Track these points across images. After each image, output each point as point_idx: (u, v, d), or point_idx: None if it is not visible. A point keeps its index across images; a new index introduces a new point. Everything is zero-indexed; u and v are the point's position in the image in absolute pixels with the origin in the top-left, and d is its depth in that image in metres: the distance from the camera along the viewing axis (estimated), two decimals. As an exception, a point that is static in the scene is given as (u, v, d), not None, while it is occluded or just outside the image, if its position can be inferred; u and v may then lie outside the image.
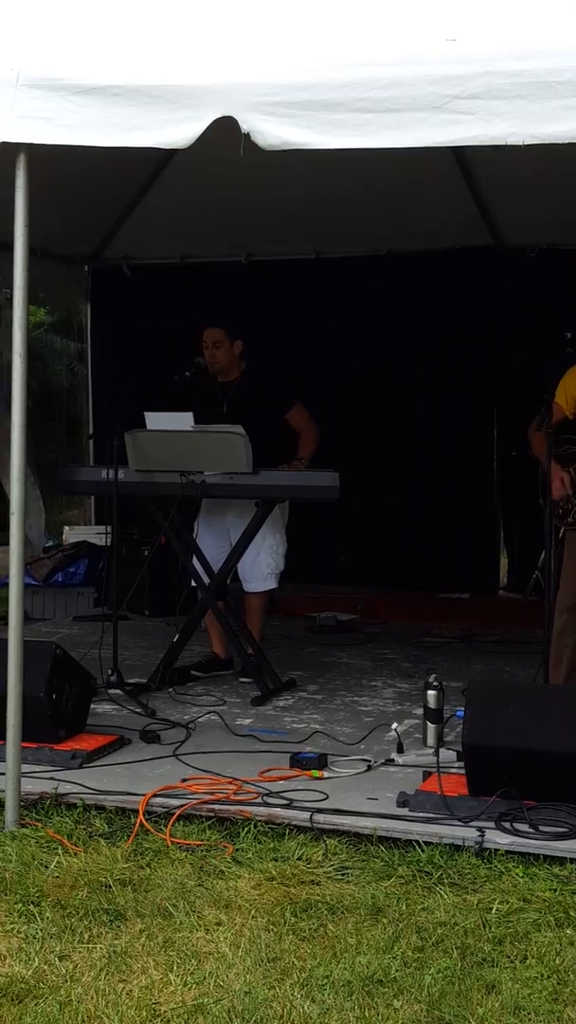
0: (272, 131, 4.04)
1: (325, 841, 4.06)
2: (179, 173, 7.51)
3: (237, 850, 4.00)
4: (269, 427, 6.11)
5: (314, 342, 8.44)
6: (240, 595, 6.45)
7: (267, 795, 4.39)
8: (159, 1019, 3.02)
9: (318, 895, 3.68)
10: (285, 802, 4.32)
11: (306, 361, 8.06)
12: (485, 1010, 3.04)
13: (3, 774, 4.29)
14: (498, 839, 3.98)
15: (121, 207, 8.30)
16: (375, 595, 8.56)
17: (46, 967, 3.26)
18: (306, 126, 4.04)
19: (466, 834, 4.02)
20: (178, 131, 4.14)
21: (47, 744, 4.78)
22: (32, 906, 3.60)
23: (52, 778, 4.53)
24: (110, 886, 3.73)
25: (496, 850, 3.94)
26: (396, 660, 6.94)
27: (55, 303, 11.06)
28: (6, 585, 4.44)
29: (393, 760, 4.86)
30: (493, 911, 3.57)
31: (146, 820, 4.18)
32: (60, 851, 3.99)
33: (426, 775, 4.50)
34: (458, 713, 4.72)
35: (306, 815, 4.20)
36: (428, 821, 4.13)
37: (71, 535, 9.26)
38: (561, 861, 3.89)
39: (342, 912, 3.59)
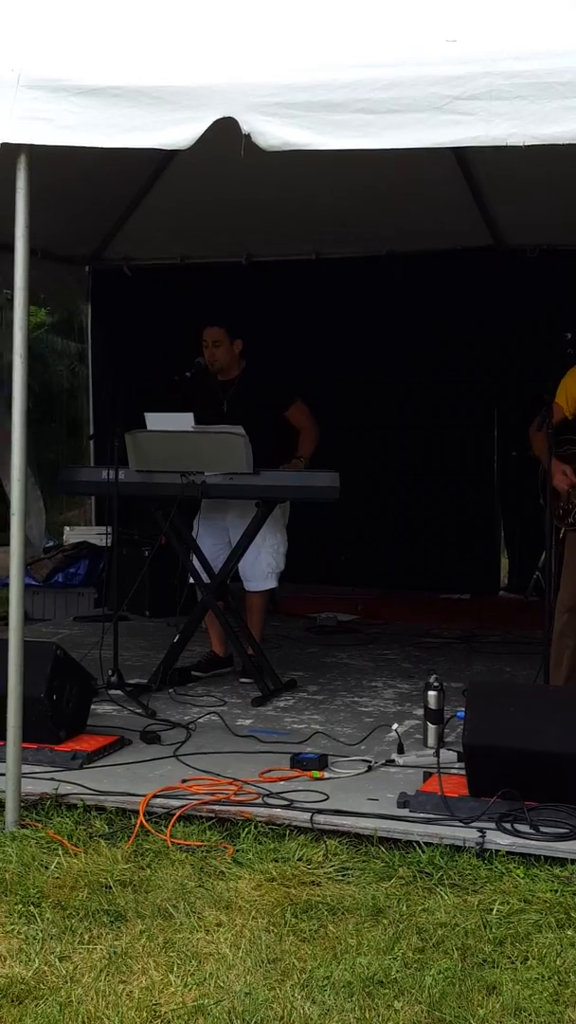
0: (273, 132, 4.04)
1: (325, 842, 4.06)
2: (180, 174, 7.51)
3: (237, 851, 4.00)
4: (269, 425, 6.12)
5: (314, 342, 8.44)
6: (240, 595, 6.45)
7: (267, 796, 4.39)
8: (159, 1020, 3.02)
9: (318, 896, 3.68)
10: (285, 803, 4.32)
11: (306, 362, 8.06)
12: (486, 1011, 3.04)
13: (3, 775, 4.29)
14: (499, 840, 3.98)
15: (122, 208, 8.30)
16: (376, 595, 8.56)
17: (46, 968, 3.26)
18: (307, 127, 4.04)
19: (467, 835, 4.02)
20: (179, 132, 4.15)
21: (47, 745, 4.78)
22: (32, 907, 3.60)
23: (52, 779, 4.53)
24: (110, 887, 3.73)
25: (497, 851, 3.93)
26: (397, 661, 6.94)
27: (56, 304, 11.06)
28: (7, 585, 4.44)
29: (393, 761, 4.86)
30: (494, 912, 3.57)
31: (146, 821, 4.18)
32: (60, 852, 3.99)
33: (427, 776, 4.50)
34: (459, 714, 4.71)
35: (306, 816, 4.20)
36: (429, 822, 4.13)
37: (71, 535, 9.25)
38: (562, 862, 3.89)
39: (342, 913, 3.59)
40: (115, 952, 3.34)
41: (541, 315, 7.72)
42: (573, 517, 5.41)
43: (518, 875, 3.80)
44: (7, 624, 4.33)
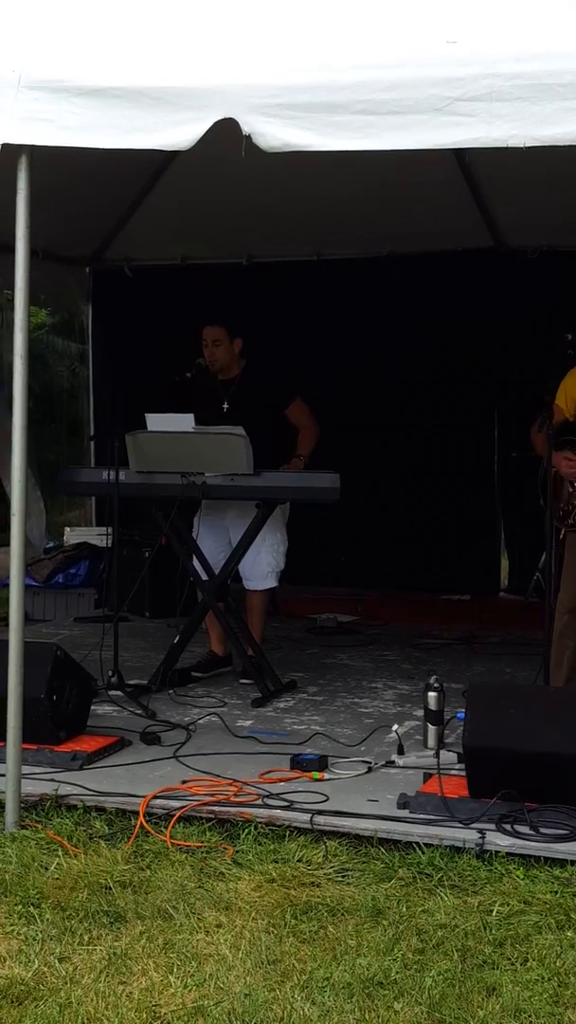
0: (273, 133, 4.04)
1: (325, 843, 4.06)
2: (180, 175, 7.51)
3: (237, 852, 4.00)
4: (270, 424, 6.12)
5: (315, 343, 8.44)
6: (241, 596, 6.45)
7: (267, 797, 4.39)
8: (159, 1021, 3.02)
9: (318, 897, 3.68)
10: (285, 804, 4.32)
11: (307, 362, 8.06)
12: (486, 1012, 3.04)
13: (3, 775, 4.29)
14: (499, 841, 3.98)
15: (122, 209, 8.30)
16: (376, 596, 8.55)
17: (46, 969, 3.26)
18: (307, 128, 4.05)
19: (467, 836, 4.01)
20: (179, 133, 4.15)
21: (47, 745, 4.78)
22: (32, 908, 3.60)
23: (52, 779, 4.53)
24: (110, 888, 3.72)
25: (497, 852, 3.93)
26: (397, 662, 6.94)
27: (56, 304, 11.06)
28: (7, 586, 4.44)
29: (394, 762, 4.85)
30: (494, 913, 3.57)
31: (146, 822, 4.18)
32: (60, 853, 3.99)
33: (427, 777, 4.49)
34: (459, 715, 4.71)
35: (306, 817, 4.20)
36: (429, 823, 4.13)
37: (72, 536, 9.25)
38: (562, 863, 3.88)
39: (342, 914, 3.58)
40: (115, 953, 3.34)
41: (541, 316, 7.72)
42: (573, 518, 5.40)
43: (518, 876, 3.80)
44: (7, 625, 4.33)
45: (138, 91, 4.17)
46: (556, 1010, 3.06)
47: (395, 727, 5.04)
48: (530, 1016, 3.03)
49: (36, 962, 3.29)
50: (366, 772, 4.75)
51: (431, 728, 5.01)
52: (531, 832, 4.01)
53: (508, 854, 3.93)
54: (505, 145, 3.93)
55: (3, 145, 4.20)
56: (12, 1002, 3.09)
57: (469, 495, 8.71)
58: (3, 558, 5.13)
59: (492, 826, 4.05)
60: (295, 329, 8.40)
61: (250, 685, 6.08)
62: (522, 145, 3.90)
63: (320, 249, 8.52)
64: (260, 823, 4.19)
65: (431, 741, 4.99)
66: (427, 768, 4.61)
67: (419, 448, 8.71)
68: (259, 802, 4.35)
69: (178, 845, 4.05)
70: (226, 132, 4.05)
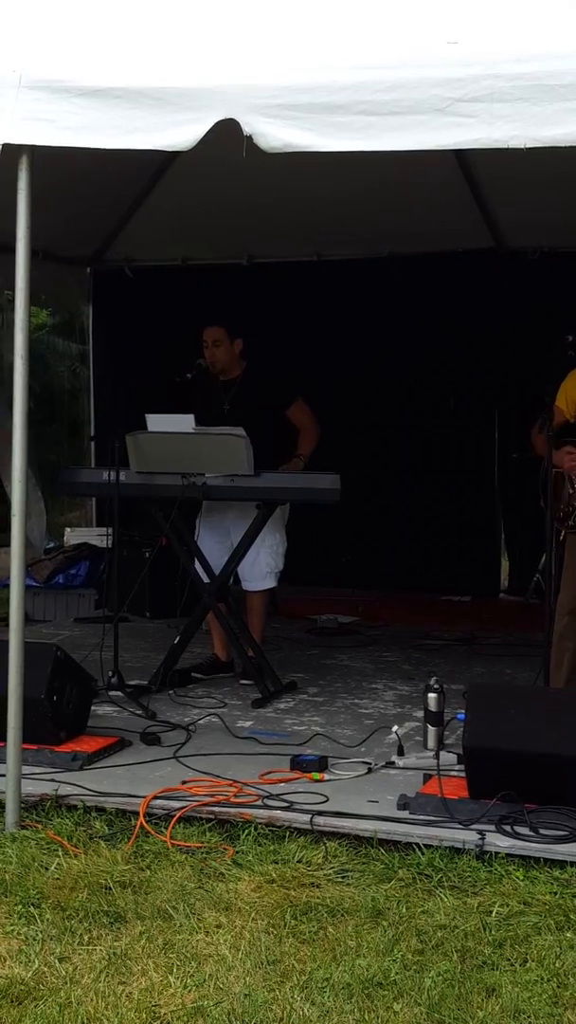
0: (274, 133, 4.04)
1: (325, 844, 4.06)
2: (181, 175, 7.51)
3: (237, 852, 4.00)
4: (271, 425, 6.12)
5: (315, 344, 8.44)
6: (241, 597, 6.45)
7: (267, 797, 4.39)
8: (159, 1021, 3.02)
9: (318, 898, 3.68)
10: (285, 804, 4.32)
11: (307, 362, 8.05)
12: (485, 1013, 3.04)
13: (3, 776, 4.29)
14: (498, 842, 3.98)
15: (123, 209, 8.30)
16: (376, 597, 8.55)
17: (46, 969, 3.26)
18: (308, 128, 4.05)
19: (466, 837, 4.01)
20: (180, 133, 4.15)
21: (48, 746, 4.78)
22: (32, 908, 3.60)
23: (52, 780, 4.53)
24: (110, 888, 3.72)
25: (496, 853, 3.93)
26: (397, 662, 6.94)
27: (57, 305, 11.06)
28: (7, 587, 4.44)
29: (393, 763, 4.85)
30: (493, 914, 3.57)
31: (146, 822, 4.18)
32: (60, 853, 3.99)
33: (426, 778, 4.49)
34: (459, 716, 4.71)
35: (306, 817, 4.20)
36: (428, 824, 4.13)
37: (72, 537, 9.25)
38: (561, 864, 3.88)
39: (342, 915, 3.58)
40: (115, 953, 3.34)
41: (542, 317, 7.71)
42: (573, 520, 5.40)
43: (518, 877, 3.80)
44: (8, 625, 4.33)
45: (139, 91, 4.17)
46: (555, 1011, 3.06)
47: (395, 728, 5.04)
48: (529, 1017, 3.03)
49: (36, 962, 3.29)
50: (366, 773, 4.75)
51: (431, 729, 5.01)
52: (531, 833, 4.00)
53: (508, 855, 3.93)
54: (506, 146, 3.93)
55: (4, 145, 4.20)
56: (12, 1002, 3.09)
57: (469, 496, 8.70)
58: (3, 558, 5.13)
59: (492, 827, 4.05)
60: (295, 329, 8.40)
61: (250, 686, 6.08)
62: (523, 146, 3.90)
63: (320, 249, 8.52)
64: (260, 824, 4.19)
65: (431, 742, 4.99)
66: (427, 769, 4.60)
67: (419, 448, 8.71)
68: (259, 803, 4.35)
69: (178, 845, 4.05)
70: (227, 132, 4.05)
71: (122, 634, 6.06)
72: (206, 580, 6.17)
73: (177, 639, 6.19)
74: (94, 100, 4.20)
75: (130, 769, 4.75)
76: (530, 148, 3.90)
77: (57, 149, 4.23)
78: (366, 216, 7.64)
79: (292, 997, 3.10)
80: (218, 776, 4.62)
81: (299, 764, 4.73)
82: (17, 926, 3.50)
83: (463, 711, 4.46)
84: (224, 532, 6.32)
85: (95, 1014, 3.03)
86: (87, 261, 9.09)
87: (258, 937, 3.43)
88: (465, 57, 3.97)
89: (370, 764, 4.83)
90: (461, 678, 6.08)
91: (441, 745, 4.96)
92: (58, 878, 3.79)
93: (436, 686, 5.03)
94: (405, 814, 4.22)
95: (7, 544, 4.32)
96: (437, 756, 4.77)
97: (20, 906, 3.61)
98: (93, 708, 5.24)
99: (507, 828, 4.03)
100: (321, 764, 4.74)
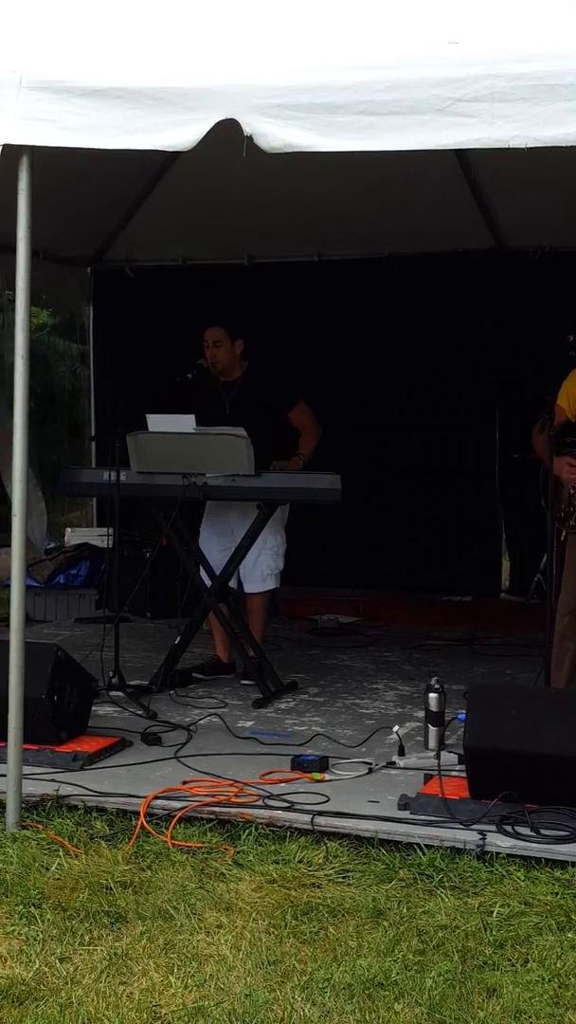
0: (274, 133, 4.04)
1: (326, 844, 4.06)
2: (181, 175, 7.51)
3: (238, 852, 4.00)
4: (272, 426, 6.12)
5: (316, 344, 8.43)
6: (242, 597, 6.45)
7: (268, 798, 4.39)
8: (160, 1021, 3.02)
9: (319, 898, 3.68)
10: (286, 805, 4.32)
11: (308, 362, 8.05)
12: (486, 1014, 3.04)
13: (4, 776, 4.29)
14: (499, 842, 3.98)
15: (123, 209, 8.30)
16: (377, 597, 8.55)
17: (47, 969, 3.26)
18: (308, 128, 4.04)
19: (467, 837, 4.01)
20: (180, 133, 4.15)
21: (48, 746, 4.78)
22: (33, 908, 3.60)
23: (53, 780, 4.53)
24: (111, 888, 3.72)
25: (497, 853, 3.93)
26: (398, 663, 6.94)
27: (57, 305, 11.05)
28: (8, 587, 4.44)
29: (394, 763, 4.85)
30: (494, 914, 3.57)
31: (147, 822, 4.18)
32: (61, 853, 3.99)
33: (427, 778, 4.49)
34: (459, 716, 4.71)
35: (307, 818, 4.20)
36: (429, 824, 4.13)
37: (73, 537, 9.25)
38: (562, 864, 3.88)
39: (343, 915, 3.58)
40: (115, 953, 3.34)
41: (543, 317, 7.70)
42: (574, 520, 5.40)
43: (518, 877, 3.80)
44: (8, 625, 4.33)
45: (139, 92, 4.17)
46: (556, 1011, 3.06)
47: (396, 728, 5.04)
48: (530, 1017, 3.03)
49: (37, 962, 3.29)
50: (367, 773, 4.75)
51: (432, 729, 5.01)
52: (532, 833, 4.00)
53: (509, 855, 3.92)
54: (507, 146, 3.92)
55: (4, 146, 4.20)
56: (13, 1002, 3.09)
57: (470, 496, 8.70)
58: (4, 559, 5.13)
59: (493, 827, 4.05)
60: (296, 329, 8.40)
61: (251, 686, 6.08)
62: (524, 146, 3.90)
63: (321, 250, 8.52)
64: (261, 824, 4.19)
65: (432, 742, 4.99)
66: (428, 769, 4.60)
67: (420, 449, 8.70)
68: (260, 803, 4.35)
69: (179, 846, 4.05)
70: (227, 133, 4.05)
71: (123, 634, 6.06)
72: (208, 581, 6.17)
73: (178, 639, 6.19)
74: (94, 100, 4.20)
75: (131, 769, 4.75)
76: (531, 148, 3.90)
77: (58, 149, 4.23)
78: (367, 216, 7.64)
79: (293, 997, 3.10)
80: (219, 776, 4.62)
81: (300, 764, 4.73)
82: (18, 926, 3.50)
83: (464, 711, 4.46)
84: (228, 534, 6.32)
85: (96, 1014, 3.03)
86: (88, 261, 9.09)
87: (259, 937, 3.43)
88: (466, 57, 3.97)
89: (371, 764, 4.83)
90: (462, 678, 6.08)
91: (442, 745, 4.96)
92: (59, 878, 3.79)
93: (437, 686, 5.03)
94: (406, 814, 4.22)
95: (8, 544, 4.31)
96: (438, 756, 4.77)
97: (21, 906, 3.61)
98: (94, 708, 5.24)
99: (508, 828, 4.03)
100: (322, 764, 4.74)
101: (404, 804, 4.28)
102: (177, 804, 4.31)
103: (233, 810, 4.29)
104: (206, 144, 4.12)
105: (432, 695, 5.01)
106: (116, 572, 6.58)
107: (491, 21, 4.11)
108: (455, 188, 7.42)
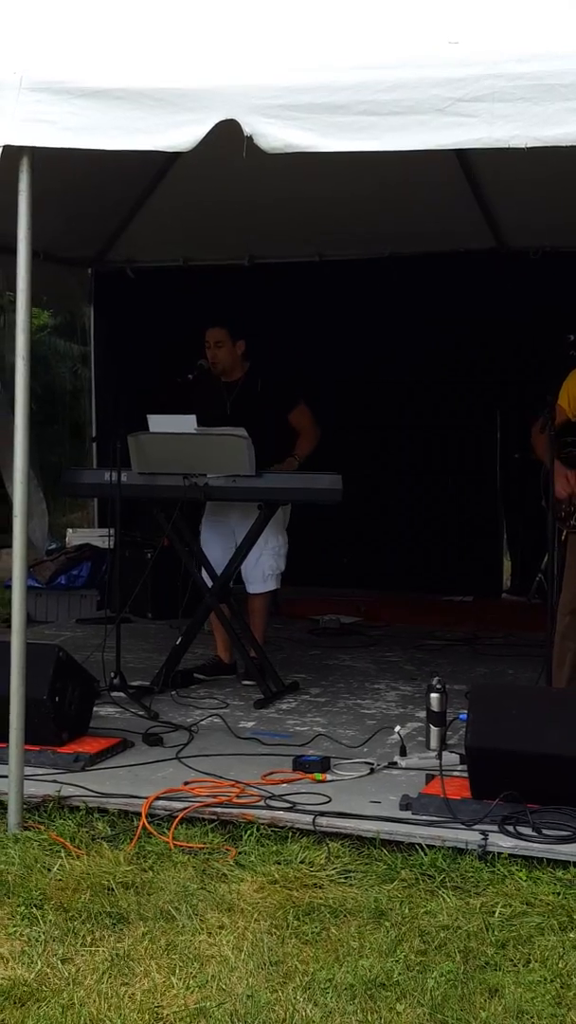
0: (275, 134, 4.04)
1: (328, 844, 4.06)
2: (182, 176, 7.51)
3: (240, 853, 4.00)
4: (272, 427, 6.12)
5: (317, 344, 8.43)
6: (243, 597, 6.45)
7: (270, 798, 4.39)
8: (161, 1022, 3.02)
9: (321, 898, 3.68)
10: (288, 805, 4.32)
11: (308, 363, 8.06)
12: (488, 1014, 3.04)
13: (6, 777, 4.29)
14: (501, 842, 3.98)
15: (124, 210, 8.30)
16: (378, 598, 8.55)
17: (48, 970, 3.26)
18: (309, 129, 4.04)
19: (469, 837, 4.01)
20: (181, 134, 4.15)
21: (50, 747, 4.78)
22: (35, 909, 3.60)
23: (55, 781, 4.53)
24: (113, 889, 3.72)
25: (499, 853, 3.93)
26: (399, 663, 6.94)
27: (58, 306, 11.05)
28: (9, 587, 4.44)
29: (396, 763, 4.85)
30: (496, 915, 3.57)
31: (149, 823, 4.18)
32: (63, 854, 3.99)
33: (429, 778, 4.49)
34: (461, 716, 4.71)
35: (309, 818, 4.20)
36: (431, 824, 4.13)
37: (74, 537, 9.25)
38: (564, 864, 3.88)
39: (345, 915, 3.58)
40: (117, 954, 3.34)
41: (543, 317, 7.70)
42: (575, 520, 5.40)
43: (520, 878, 3.80)
44: (10, 626, 4.33)
45: (139, 92, 4.17)
46: (558, 1011, 3.06)
47: (397, 728, 5.04)
48: (532, 1017, 3.03)
49: (39, 963, 3.29)
50: (368, 773, 4.74)
51: (433, 729, 5.01)
52: (533, 833, 4.00)
53: (510, 855, 3.92)
54: (507, 146, 3.92)
55: (4, 147, 4.21)
56: (15, 1003, 3.09)
57: (471, 496, 8.70)
58: (6, 559, 5.14)
59: (494, 827, 4.05)
60: (296, 330, 8.40)
61: (252, 686, 6.08)
62: (524, 146, 3.90)
63: (322, 250, 8.52)
64: (262, 824, 4.19)
65: (433, 742, 4.99)
66: (429, 769, 4.60)
67: (421, 449, 8.70)
68: (261, 803, 4.35)
69: (180, 846, 4.05)
70: (227, 133, 4.05)
71: (124, 635, 6.06)
72: (209, 581, 6.17)
73: (179, 640, 6.19)
74: (95, 101, 4.20)
75: (132, 770, 4.75)
76: (531, 148, 3.90)
77: (58, 150, 4.23)
78: (367, 216, 7.64)
79: (295, 998, 3.10)
80: (220, 777, 4.62)
81: (301, 765, 4.73)
82: (20, 927, 3.50)
83: (465, 711, 4.45)
84: (230, 534, 6.32)
85: (98, 1015, 3.03)
86: (88, 262, 9.09)
87: (261, 938, 3.43)
88: (466, 57, 3.97)
89: (372, 764, 4.83)
90: (463, 678, 6.08)
91: (443, 745, 4.95)
92: (60, 879, 3.79)
93: (438, 686, 5.02)
94: (408, 814, 4.22)
95: (9, 545, 4.32)
96: (439, 756, 4.77)
97: (23, 907, 3.61)
98: (95, 709, 5.24)
99: (510, 828, 4.03)
100: (323, 765, 4.74)
101: (406, 804, 4.28)
102: (179, 805, 4.31)
103: (235, 811, 4.29)
104: (206, 145, 4.12)
105: (434, 695, 5.01)
106: (117, 573, 6.58)
107: (491, 21, 4.11)
108: (455, 188, 7.42)
